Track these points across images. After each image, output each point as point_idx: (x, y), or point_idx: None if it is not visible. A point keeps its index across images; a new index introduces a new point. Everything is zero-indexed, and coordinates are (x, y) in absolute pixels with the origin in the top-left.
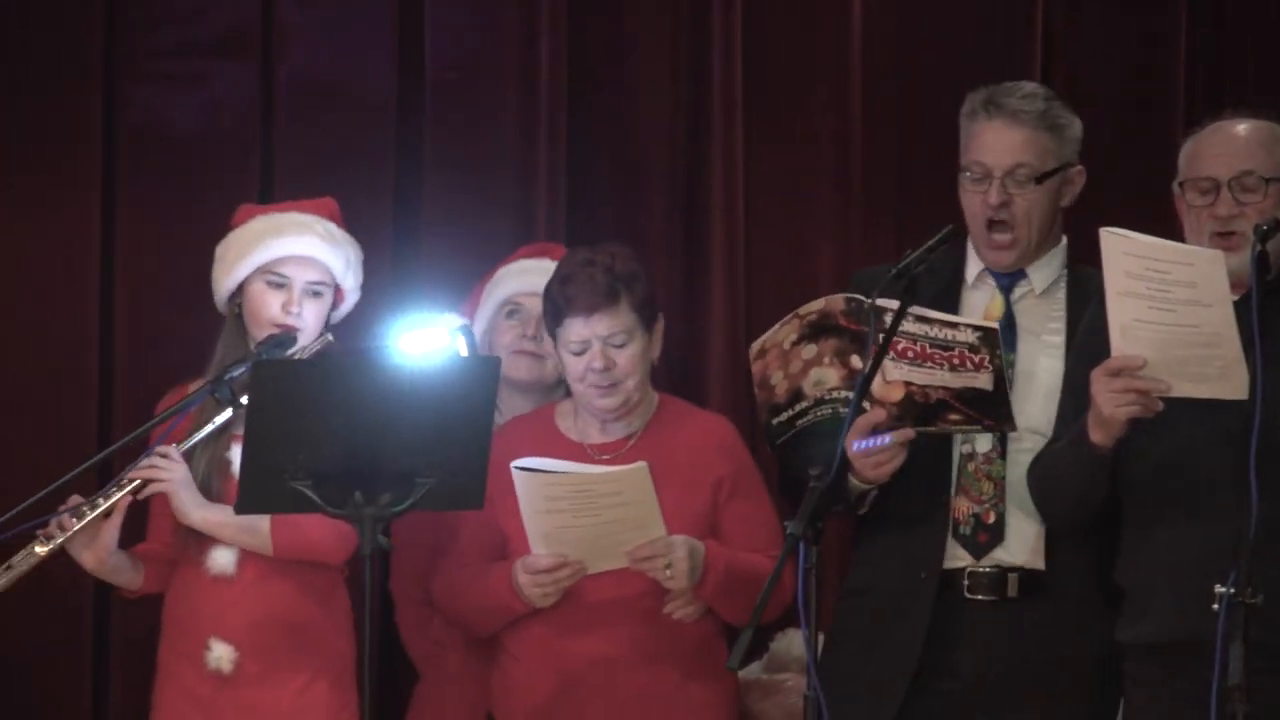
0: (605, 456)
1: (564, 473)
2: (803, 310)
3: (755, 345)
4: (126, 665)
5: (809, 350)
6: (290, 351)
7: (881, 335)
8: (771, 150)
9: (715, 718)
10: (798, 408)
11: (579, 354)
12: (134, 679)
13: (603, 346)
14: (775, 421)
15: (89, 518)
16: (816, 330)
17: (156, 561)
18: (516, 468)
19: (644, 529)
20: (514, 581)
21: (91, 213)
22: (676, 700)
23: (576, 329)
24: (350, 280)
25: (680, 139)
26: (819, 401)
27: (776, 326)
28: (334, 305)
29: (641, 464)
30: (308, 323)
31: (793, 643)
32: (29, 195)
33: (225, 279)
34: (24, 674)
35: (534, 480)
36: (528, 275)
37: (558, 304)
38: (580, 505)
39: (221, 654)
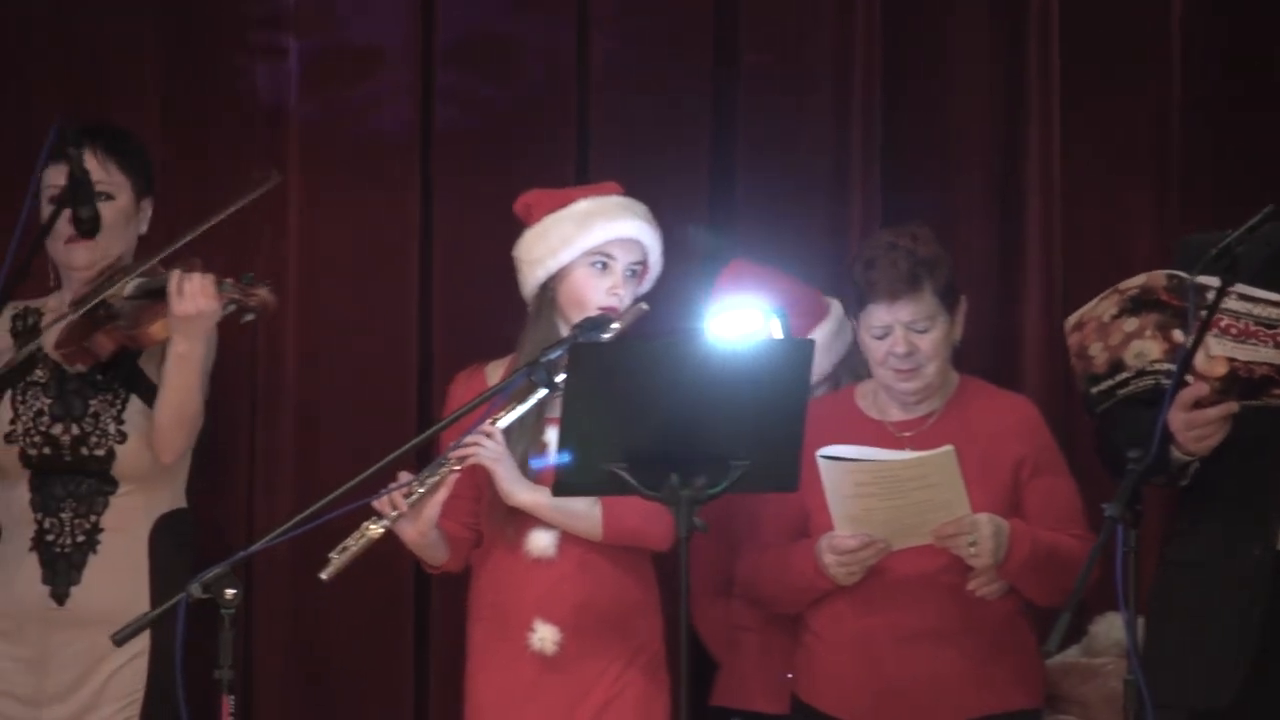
0: (907, 434)
1: (870, 461)
2: (1123, 285)
3: (1072, 318)
4: (446, 647)
5: (1130, 323)
6: (609, 327)
7: (1203, 314)
8: (1088, 130)
9: (1021, 696)
10: (1118, 378)
11: (881, 338)
12: (454, 660)
13: (905, 332)
14: (1094, 391)
15: (419, 494)
16: (1138, 305)
17: (457, 540)
18: (822, 457)
19: (949, 508)
20: (818, 560)
21: (411, 199)
22: (981, 677)
23: (879, 315)
24: (659, 263)
25: (996, 120)
26: (1140, 373)
27: (1095, 300)
28: None
29: (948, 448)
30: (626, 304)
31: (1112, 626)
32: (353, 187)
33: (549, 261)
34: (348, 656)
35: (840, 469)
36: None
37: (860, 289)
38: (887, 489)
39: (546, 635)
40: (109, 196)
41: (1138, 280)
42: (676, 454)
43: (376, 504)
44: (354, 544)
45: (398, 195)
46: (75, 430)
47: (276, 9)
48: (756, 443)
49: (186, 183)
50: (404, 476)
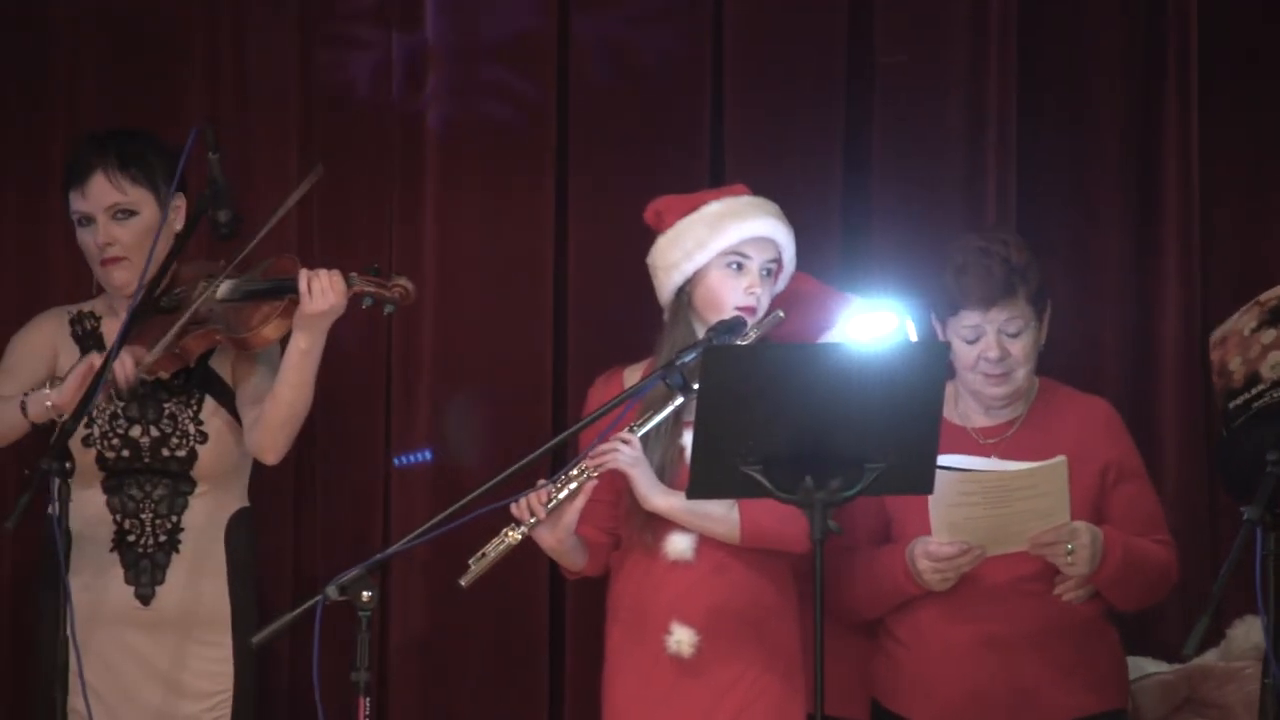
0: (990, 440)
1: (983, 471)
2: (1263, 297)
3: (1216, 334)
4: (581, 650)
5: (1268, 335)
6: (743, 331)
7: None
8: (1227, 136)
9: (1107, 698)
10: (1254, 390)
11: (972, 341)
12: (588, 664)
13: (997, 335)
14: (1232, 406)
15: (558, 500)
16: (1277, 316)
17: (595, 545)
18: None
19: (1049, 517)
20: (910, 566)
21: (546, 200)
22: (1069, 682)
23: (973, 319)
24: (793, 262)
25: (1134, 122)
26: (1276, 384)
27: (1237, 314)
28: None
29: (1061, 459)
30: (764, 304)
31: (1251, 629)
32: (487, 188)
33: (684, 265)
34: (481, 658)
35: (947, 478)
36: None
37: (953, 294)
38: (993, 499)
39: (683, 638)
40: (132, 213)
41: (1277, 291)
42: (811, 456)
43: (514, 510)
44: (493, 550)
45: (532, 197)
46: (154, 432)
47: (410, 8)
48: (891, 445)
49: (324, 186)
50: (541, 482)
